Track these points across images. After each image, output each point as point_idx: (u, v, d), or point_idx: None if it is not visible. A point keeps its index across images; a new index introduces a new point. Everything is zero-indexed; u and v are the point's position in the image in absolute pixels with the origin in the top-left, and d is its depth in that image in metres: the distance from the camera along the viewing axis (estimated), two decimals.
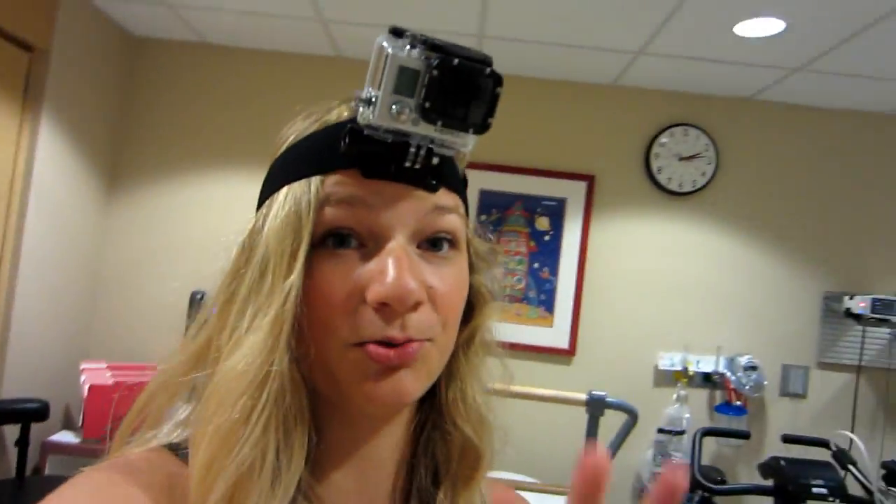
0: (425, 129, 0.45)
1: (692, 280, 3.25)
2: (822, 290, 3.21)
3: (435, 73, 0.44)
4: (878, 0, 2.17)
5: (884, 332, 3.12)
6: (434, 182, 0.50)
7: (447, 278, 0.51)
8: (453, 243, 0.52)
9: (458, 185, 0.54)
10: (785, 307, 3.22)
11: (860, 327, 3.12)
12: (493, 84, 0.46)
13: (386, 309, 0.47)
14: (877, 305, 2.92)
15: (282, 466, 0.47)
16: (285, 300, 0.47)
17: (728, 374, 3.06)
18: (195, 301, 3.04)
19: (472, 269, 0.57)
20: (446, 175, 0.52)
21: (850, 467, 2.22)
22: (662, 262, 3.26)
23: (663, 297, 3.24)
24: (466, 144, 0.48)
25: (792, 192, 3.25)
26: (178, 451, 0.52)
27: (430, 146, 0.48)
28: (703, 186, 3.25)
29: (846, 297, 3.08)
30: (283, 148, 0.53)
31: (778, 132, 3.28)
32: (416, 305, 0.49)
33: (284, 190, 0.50)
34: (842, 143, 3.27)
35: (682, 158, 3.27)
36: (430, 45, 0.44)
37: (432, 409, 0.59)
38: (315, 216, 0.48)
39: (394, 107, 0.44)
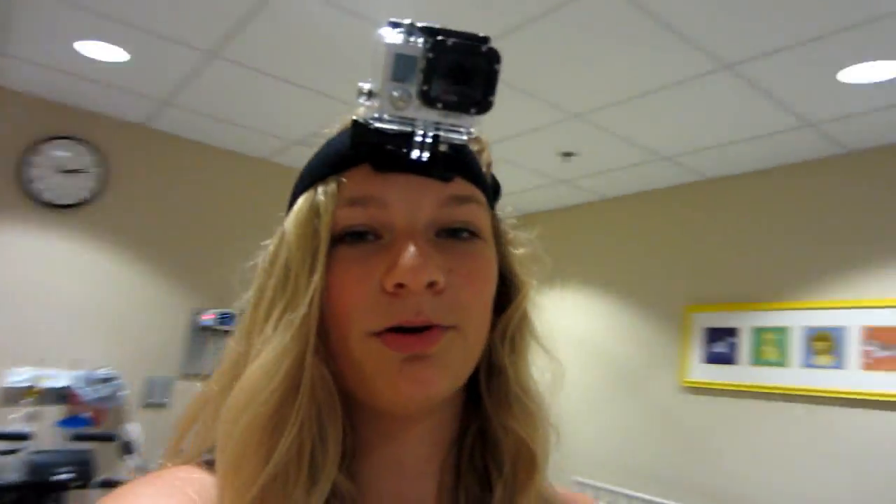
0: (428, 114, 0.46)
1: (59, 293, 3.18)
2: (190, 306, 3.52)
3: (430, 55, 0.44)
4: (210, 37, 2.53)
5: None
6: (448, 171, 0.50)
7: (468, 263, 0.50)
8: (474, 233, 0.52)
9: (477, 176, 0.54)
10: (156, 322, 3.42)
11: (218, 339, 3.52)
12: (491, 61, 0.46)
13: (402, 291, 0.47)
14: (224, 318, 3.34)
15: (317, 466, 0.46)
16: (311, 297, 0.47)
17: (77, 387, 3.05)
18: None
19: (502, 258, 0.56)
20: (462, 165, 0.52)
21: (128, 455, 2.47)
22: (27, 272, 3.11)
23: (17, 309, 3.08)
24: (471, 126, 0.47)
25: (176, 217, 3.53)
26: (213, 465, 0.49)
27: (437, 133, 0.47)
28: (86, 202, 3.26)
29: (202, 313, 3.45)
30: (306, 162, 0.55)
31: (168, 160, 3.53)
32: (433, 287, 0.47)
33: (303, 196, 0.51)
34: (221, 179, 3.71)
35: (64, 171, 3.22)
36: (426, 31, 0.45)
37: (475, 413, 0.56)
38: (332, 215, 0.49)
39: (393, 94, 0.44)
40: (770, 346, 3.25)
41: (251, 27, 2.33)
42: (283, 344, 0.47)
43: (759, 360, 3.28)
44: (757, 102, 2.68)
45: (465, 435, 0.56)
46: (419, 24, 0.46)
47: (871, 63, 2.32)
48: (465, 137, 0.49)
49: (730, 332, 3.41)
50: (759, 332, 3.30)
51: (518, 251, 0.59)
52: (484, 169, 0.57)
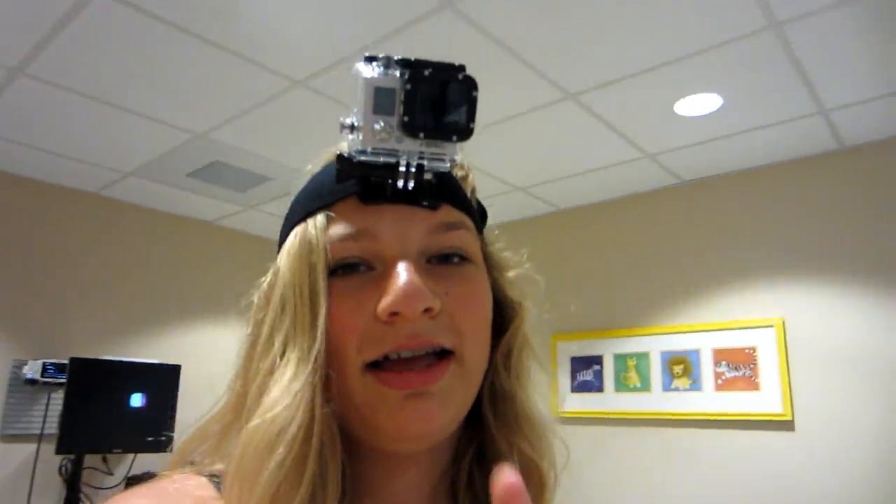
0: (410, 144, 0.47)
1: None
2: (10, 357, 3.12)
3: (408, 86, 0.45)
4: None
5: None
6: (434, 199, 0.50)
7: (461, 287, 0.50)
8: (465, 258, 0.52)
9: (464, 202, 0.55)
10: None
11: (46, 394, 3.13)
12: (468, 88, 0.46)
13: (397, 319, 0.46)
14: (49, 369, 2.97)
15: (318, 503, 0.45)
16: (320, 330, 0.47)
17: None
18: None
19: (494, 281, 0.56)
20: (448, 192, 0.52)
21: None
22: None
23: None
24: (454, 154, 0.48)
25: None
26: (213, 477, 0.50)
27: (421, 162, 0.48)
28: None
29: (25, 365, 3.06)
30: (293, 197, 0.56)
31: None
32: (428, 312, 0.47)
33: (294, 230, 0.52)
34: (40, 214, 3.33)
35: None
36: (402, 63, 0.46)
37: (473, 440, 0.55)
38: (325, 249, 0.49)
39: (375, 126, 0.45)
40: (632, 373, 3.30)
41: (59, 40, 2.09)
42: (297, 380, 0.46)
43: (623, 386, 3.31)
44: (601, 133, 2.73)
45: (461, 457, 0.55)
46: (395, 57, 0.47)
47: (703, 95, 2.42)
48: (448, 165, 0.49)
49: (595, 360, 3.44)
50: (622, 358, 3.35)
51: (510, 274, 0.59)
52: (469, 194, 0.57)
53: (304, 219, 0.52)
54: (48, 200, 3.34)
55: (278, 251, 0.54)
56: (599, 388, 3.39)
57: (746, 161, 3.03)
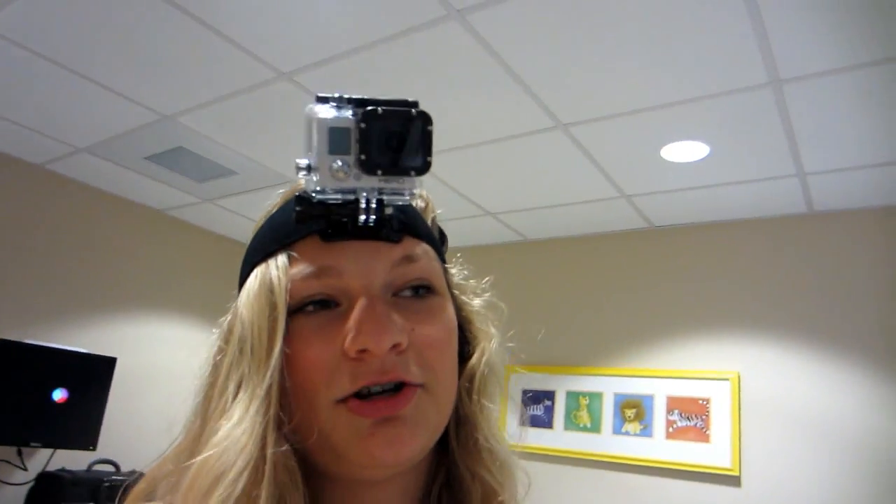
0: (368, 182, 0.46)
1: None
2: None
3: (363, 125, 0.45)
4: None
5: None
6: (396, 232, 0.51)
7: (428, 319, 0.51)
8: (430, 289, 0.52)
9: (425, 233, 0.55)
10: None
11: None
12: (423, 123, 0.47)
13: (366, 356, 0.47)
14: None
15: None
16: (273, 371, 0.47)
17: None
18: None
19: (458, 309, 0.57)
20: (409, 224, 0.53)
21: None
22: None
23: None
24: (413, 188, 0.48)
25: None
26: None
27: (381, 197, 0.48)
28: None
29: None
30: (252, 234, 0.56)
31: None
32: (396, 348, 0.47)
33: (254, 271, 0.51)
34: None
35: None
36: (355, 102, 0.46)
37: (442, 464, 0.56)
38: (286, 289, 0.49)
39: (332, 166, 0.45)
40: (584, 412, 3.25)
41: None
42: (245, 420, 0.45)
43: (573, 424, 3.26)
44: (583, 167, 2.70)
45: (432, 482, 0.55)
46: (347, 96, 0.47)
47: (692, 142, 2.42)
48: (408, 198, 0.49)
49: (547, 396, 3.38)
50: (575, 396, 3.29)
51: (473, 301, 0.59)
52: (429, 222, 0.58)
53: (264, 259, 0.51)
54: None
55: (238, 291, 0.54)
56: (548, 425, 3.33)
57: (717, 213, 3.06)
